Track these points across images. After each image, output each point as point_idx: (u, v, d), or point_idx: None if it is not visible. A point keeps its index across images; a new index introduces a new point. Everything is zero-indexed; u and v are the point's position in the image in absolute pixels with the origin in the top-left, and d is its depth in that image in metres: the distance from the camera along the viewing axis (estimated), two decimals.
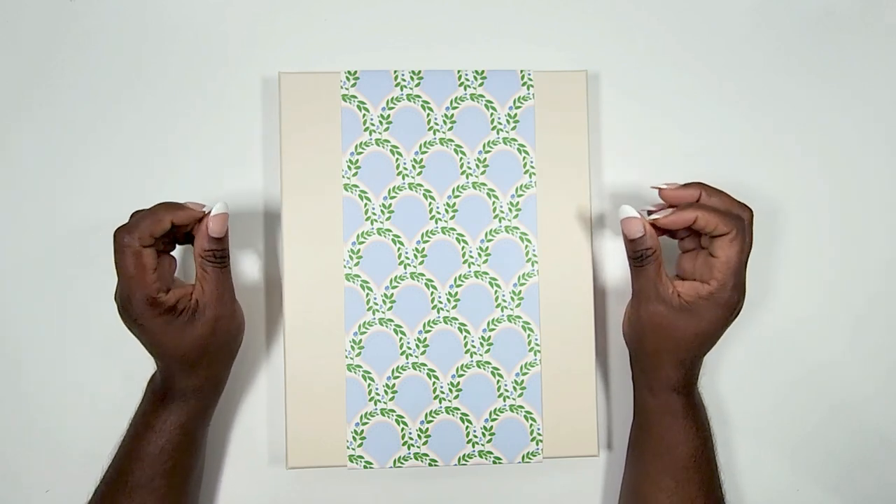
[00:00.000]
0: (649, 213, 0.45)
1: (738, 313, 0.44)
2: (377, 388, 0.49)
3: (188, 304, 0.44)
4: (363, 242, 0.49)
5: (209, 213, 0.44)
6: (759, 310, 0.54)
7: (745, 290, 0.44)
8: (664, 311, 0.44)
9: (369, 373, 0.49)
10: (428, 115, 0.50)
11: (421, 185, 0.49)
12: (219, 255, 0.44)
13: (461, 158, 0.50)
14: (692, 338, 0.44)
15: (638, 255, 0.44)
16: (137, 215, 0.44)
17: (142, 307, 0.42)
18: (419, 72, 0.50)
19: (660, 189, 0.45)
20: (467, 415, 0.49)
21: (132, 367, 0.51)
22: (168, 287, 0.44)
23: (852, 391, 0.54)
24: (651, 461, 0.46)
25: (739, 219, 0.44)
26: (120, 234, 0.43)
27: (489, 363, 0.49)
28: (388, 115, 0.49)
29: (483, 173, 0.50)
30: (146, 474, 0.44)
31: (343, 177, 0.49)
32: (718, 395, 0.53)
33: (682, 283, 0.45)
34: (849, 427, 0.54)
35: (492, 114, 0.50)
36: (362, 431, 0.48)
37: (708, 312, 0.43)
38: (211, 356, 0.45)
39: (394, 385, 0.49)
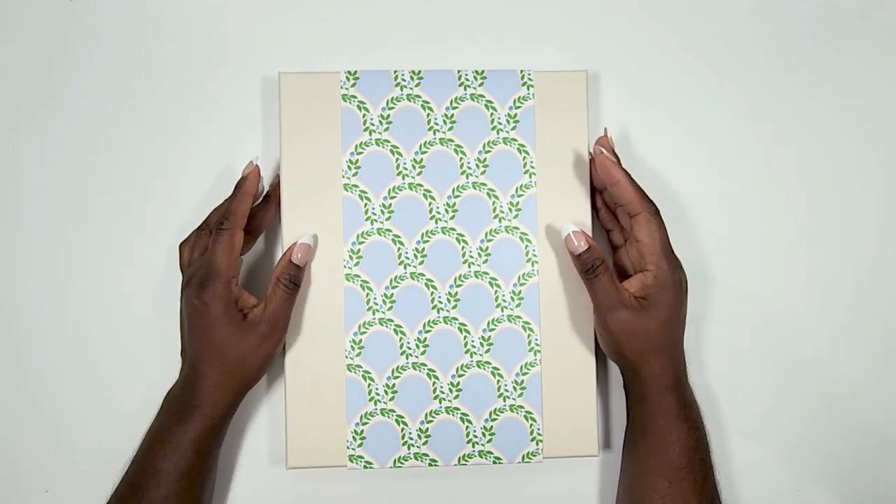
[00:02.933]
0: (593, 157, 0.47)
1: (686, 289, 0.46)
2: (377, 388, 0.49)
3: (247, 308, 0.46)
4: (363, 242, 0.49)
5: (261, 190, 0.49)
6: (754, 306, 0.54)
7: (682, 266, 0.46)
8: (628, 315, 0.45)
9: (369, 373, 0.49)
10: (428, 115, 0.50)
11: (421, 185, 0.49)
12: (293, 280, 0.46)
13: (461, 158, 0.50)
14: (661, 330, 0.45)
15: (588, 268, 0.45)
16: (219, 209, 0.48)
17: (218, 288, 0.44)
18: (419, 72, 0.50)
19: (598, 144, 0.48)
20: (467, 415, 0.49)
21: (133, 367, 0.52)
22: (237, 278, 0.46)
23: (849, 388, 0.54)
24: (645, 463, 0.46)
25: (651, 203, 0.46)
26: (220, 220, 0.46)
27: (489, 363, 0.49)
28: (388, 115, 0.49)
29: (483, 173, 0.50)
30: (160, 493, 0.44)
31: (343, 177, 0.49)
32: (714, 395, 0.53)
33: (629, 281, 0.46)
34: (847, 425, 0.54)
35: (492, 114, 0.50)
36: (362, 431, 0.48)
37: (662, 298, 0.45)
38: (243, 371, 0.46)
39: (394, 385, 0.49)
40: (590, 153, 0.49)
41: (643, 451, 0.47)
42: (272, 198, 0.50)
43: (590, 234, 0.49)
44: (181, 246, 0.48)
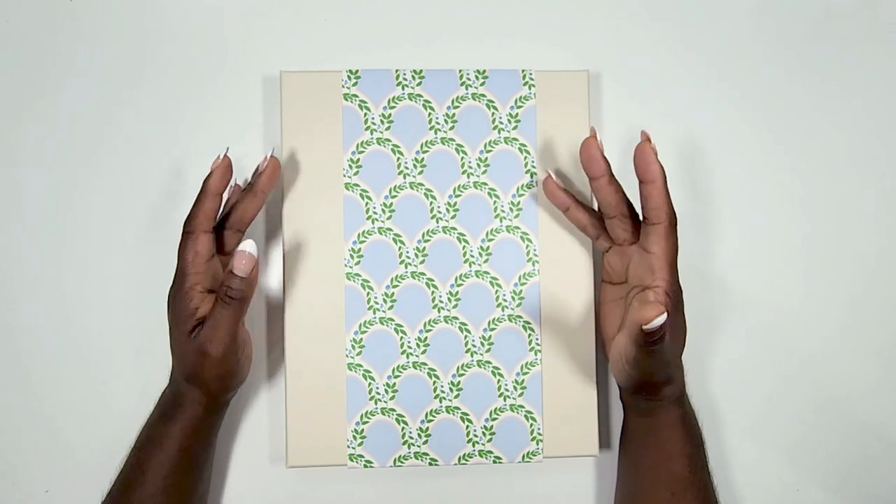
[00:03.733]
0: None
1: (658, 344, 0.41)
2: (377, 388, 0.49)
3: (202, 317, 0.43)
4: (364, 241, 0.49)
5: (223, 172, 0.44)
6: (753, 305, 0.54)
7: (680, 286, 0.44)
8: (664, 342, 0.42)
9: (370, 372, 0.49)
10: (429, 114, 0.50)
11: (422, 185, 0.49)
12: (233, 294, 0.42)
13: (462, 158, 0.50)
14: (679, 347, 0.44)
15: (654, 339, 0.39)
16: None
17: (179, 296, 0.43)
18: (421, 71, 0.50)
19: (646, 137, 0.42)
20: (467, 414, 0.49)
21: (134, 367, 0.52)
22: (209, 288, 0.44)
23: (849, 388, 0.54)
24: (647, 474, 0.46)
25: (674, 214, 0.42)
26: (184, 223, 0.44)
27: (489, 363, 0.49)
28: (390, 115, 0.49)
29: (484, 173, 0.50)
30: (147, 490, 0.44)
31: (344, 176, 0.49)
32: (712, 396, 0.53)
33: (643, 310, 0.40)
34: (847, 425, 0.54)
35: (493, 113, 0.50)
36: (362, 430, 0.48)
37: (676, 319, 0.43)
38: (208, 383, 0.44)
39: (394, 384, 0.49)
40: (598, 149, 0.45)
41: (645, 463, 0.46)
42: (255, 187, 0.46)
43: (588, 239, 0.49)
44: None
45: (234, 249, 0.46)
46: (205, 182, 0.44)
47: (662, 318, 0.38)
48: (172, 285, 0.45)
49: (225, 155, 0.44)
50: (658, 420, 0.45)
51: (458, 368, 0.49)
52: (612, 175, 0.44)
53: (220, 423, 0.48)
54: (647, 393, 0.44)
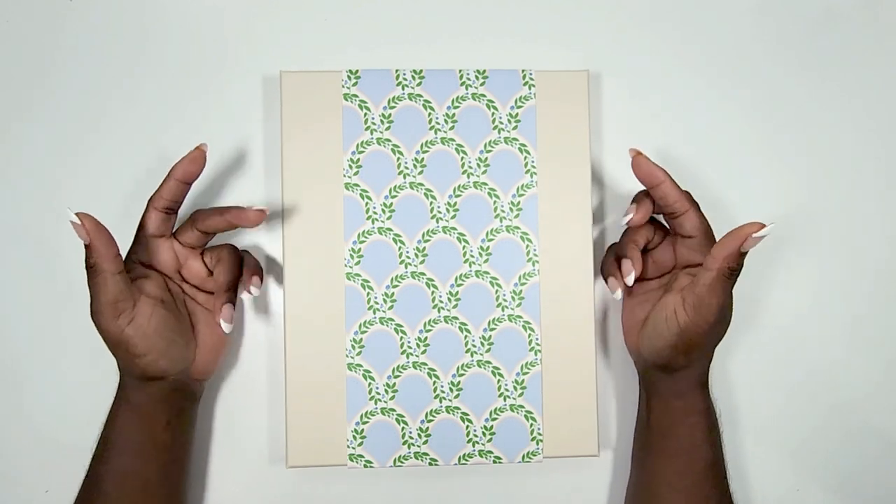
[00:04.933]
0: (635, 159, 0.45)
1: (736, 276, 0.43)
2: (377, 387, 0.49)
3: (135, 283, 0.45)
4: (364, 241, 0.49)
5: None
6: (760, 311, 0.54)
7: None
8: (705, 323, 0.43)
9: (370, 372, 0.49)
10: (429, 114, 0.50)
11: (422, 185, 0.49)
12: (88, 262, 0.42)
13: (462, 158, 0.50)
14: (723, 320, 0.44)
15: (736, 271, 0.42)
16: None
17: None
18: (420, 71, 0.50)
19: (636, 153, 0.44)
20: (468, 414, 0.49)
21: None
22: (144, 262, 0.46)
23: (851, 389, 0.54)
24: (668, 463, 0.46)
25: (694, 200, 0.45)
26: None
27: (490, 363, 0.49)
28: (390, 115, 0.49)
29: (484, 173, 0.50)
30: (114, 465, 0.45)
31: (344, 176, 0.49)
32: (715, 396, 0.53)
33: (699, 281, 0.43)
34: (850, 428, 0.54)
35: (493, 113, 0.50)
36: (362, 430, 0.48)
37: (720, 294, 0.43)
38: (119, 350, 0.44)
39: (394, 384, 0.49)
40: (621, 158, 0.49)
41: (667, 453, 0.46)
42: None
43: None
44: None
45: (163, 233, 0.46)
46: (172, 167, 0.44)
47: (769, 228, 0.41)
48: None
49: (199, 147, 0.45)
50: (687, 403, 0.46)
51: (458, 368, 0.49)
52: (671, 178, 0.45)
53: (160, 414, 0.46)
54: (682, 360, 0.44)
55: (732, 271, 0.42)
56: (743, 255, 0.42)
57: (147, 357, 0.44)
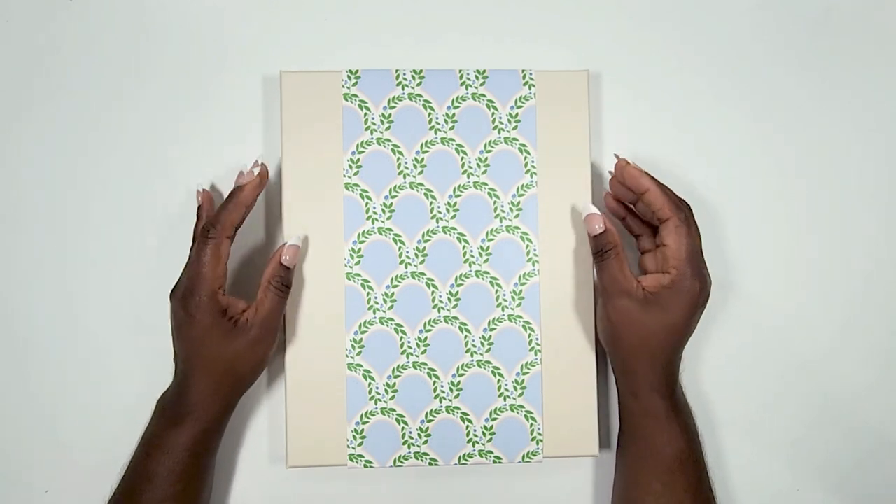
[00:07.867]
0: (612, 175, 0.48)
1: (704, 303, 0.45)
2: (378, 388, 0.49)
3: (237, 315, 0.45)
4: (364, 241, 0.49)
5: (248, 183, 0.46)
6: (753, 305, 0.54)
7: (707, 279, 0.45)
8: (630, 304, 0.45)
9: (370, 372, 0.49)
10: (429, 114, 0.50)
11: (422, 185, 0.49)
12: (284, 282, 0.46)
13: (462, 158, 0.50)
14: (662, 332, 0.45)
15: (599, 250, 0.46)
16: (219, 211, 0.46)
17: (203, 300, 0.44)
18: (421, 71, 0.50)
19: (619, 158, 0.47)
20: (467, 414, 0.49)
21: (134, 368, 0.52)
22: (224, 287, 0.45)
23: (848, 388, 0.54)
24: (637, 465, 0.46)
25: (681, 209, 0.45)
26: (205, 228, 0.45)
27: (490, 363, 0.49)
28: (390, 115, 0.49)
29: (484, 173, 0.50)
30: (156, 496, 0.44)
31: (344, 176, 0.49)
32: (711, 396, 0.53)
33: (646, 276, 0.46)
34: (846, 425, 0.54)
35: (493, 113, 0.50)
36: (362, 430, 0.48)
37: (673, 303, 0.44)
38: (235, 377, 0.46)
39: (394, 384, 0.49)
40: (610, 172, 0.50)
41: (635, 454, 0.47)
42: (237, 198, 0.46)
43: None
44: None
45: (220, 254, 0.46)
46: (235, 192, 0.45)
47: (600, 226, 0.46)
48: (186, 289, 0.44)
49: (261, 166, 0.47)
50: (641, 407, 0.46)
51: (458, 368, 0.49)
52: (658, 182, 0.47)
53: (226, 424, 0.48)
54: (618, 363, 0.47)
55: (596, 255, 0.46)
56: (594, 239, 0.46)
57: (265, 343, 0.46)
